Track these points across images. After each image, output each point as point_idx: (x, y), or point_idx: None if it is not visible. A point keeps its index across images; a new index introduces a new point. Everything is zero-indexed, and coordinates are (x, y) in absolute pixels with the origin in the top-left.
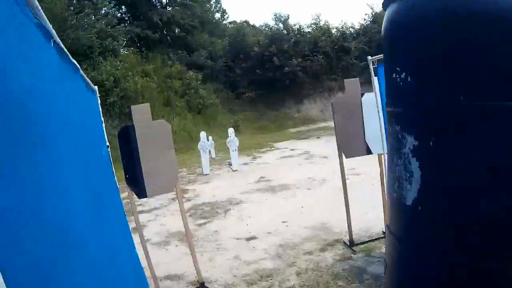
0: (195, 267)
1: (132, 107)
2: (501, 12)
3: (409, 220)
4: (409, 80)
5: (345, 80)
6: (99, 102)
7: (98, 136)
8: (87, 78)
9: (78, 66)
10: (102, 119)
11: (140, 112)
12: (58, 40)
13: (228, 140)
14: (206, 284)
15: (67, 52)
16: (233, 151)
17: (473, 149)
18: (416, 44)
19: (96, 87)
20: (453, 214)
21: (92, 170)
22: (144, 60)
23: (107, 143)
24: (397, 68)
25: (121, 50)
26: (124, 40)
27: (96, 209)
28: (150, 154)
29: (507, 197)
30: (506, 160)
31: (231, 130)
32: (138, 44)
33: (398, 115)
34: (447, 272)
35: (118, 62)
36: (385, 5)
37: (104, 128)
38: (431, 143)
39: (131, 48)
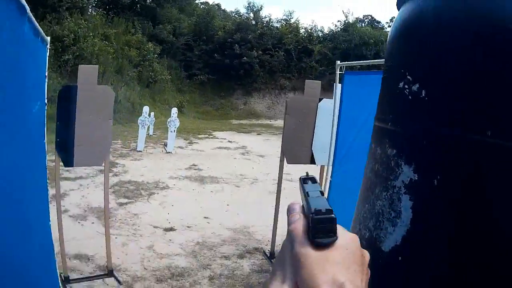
0: (106, 252)
1: (80, 66)
2: None
3: (381, 269)
4: (423, 95)
5: (306, 81)
6: (48, 54)
7: (35, 90)
8: (36, 24)
9: (27, 8)
10: (47, 73)
11: (87, 73)
12: None
13: (169, 119)
14: (114, 272)
15: None
16: (171, 132)
17: (493, 201)
18: (444, 53)
19: (48, 38)
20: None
21: (16, 125)
22: (109, 23)
23: (45, 100)
24: (409, 77)
25: (90, 9)
26: (95, 0)
27: (12, 168)
28: (87, 120)
29: None
30: None
31: (174, 110)
32: (108, 7)
33: (395, 135)
34: None
35: (83, 21)
36: (402, 1)
37: (46, 84)
38: (435, 182)
39: (100, 9)
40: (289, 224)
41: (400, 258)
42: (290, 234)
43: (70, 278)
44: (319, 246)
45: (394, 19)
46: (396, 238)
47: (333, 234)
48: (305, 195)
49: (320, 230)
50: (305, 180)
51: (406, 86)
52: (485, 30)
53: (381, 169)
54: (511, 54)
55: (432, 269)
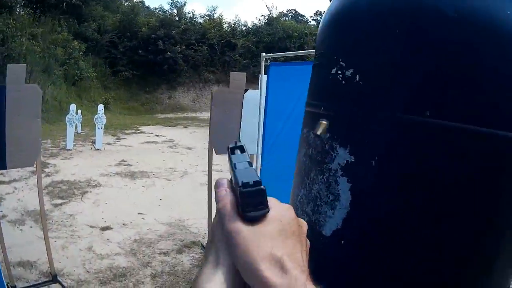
0: (48, 257)
1: (9, 66)
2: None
3: (323, 255)
4: (357, 79)
5: (231, 73)
6: None
7: None
8: None
9: None
10: None
11: (16, 73)
12: None
13: (96, 116)
14: (58, 277)
15: None
16: (99, 128)
17: (432, 179)
18: (378, 38)
19: None
20: (389, 262)
21: None
22: (36, 22)
23: None
24: (342, 63)
25: (18, 8)
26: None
27: None
28: (17, 120)
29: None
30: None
31: (100, 107)
32: (34, 6)
33: (328, 119)
34: None
35: (11, 20)
36: None
37: None
38: (373, 163)
39: (27, 9)
40: (217, 201)
41: (342, 241)
42: (218, 212)
43: (17, 287)
44: (251, 220)
45: (319, 12)
46: (336, 221)
47: (264, 206)
48: (232, 167)
49: (249, 204)
50: (233, 149)
51: (339, 72)
52: (418, 13)
53: (315, 153)
54: (445, 34)
55: (374, 251)
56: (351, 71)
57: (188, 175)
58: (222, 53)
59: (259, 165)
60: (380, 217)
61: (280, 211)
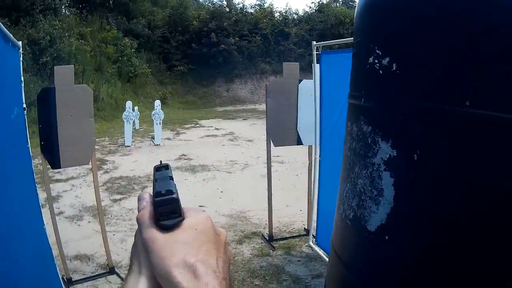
0: (105, 250)
1: (56, 67)
2: None
3: (369, 250)
4: (394, 68)
5: (284, 63)
6: (21, 59)
7: (12, 96)
8: (6, 31)
9: None
10: (22, 78)
11: (63, 74)
12: None
13: (153, 112)
14: (116, 269)
15: None
16: (157, 124)
17: (476, 174)
18: (416, 24)
19: (20, 43)
20: (433, 260)
21: None
22: (83, 22)
23: (24, 105)
24: (378, 51)
25: (63, 9)
26: (67, 0)
27: None
28: (68, 120)
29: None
30: None
31: (157, 103)
32: (80, 5)
33: (369, 111)
34: None
35: (57, 22)
36: None
37: (22, 89)
38: (415, 157)
39: (73, 9)
40: (138, 213)
41: (386, 237)
42: (138, 222)
43: (73, 279)
44: (165, 228)
45: None
46: (381, 217)
47: (177, 215)
48: (154, 182)
49: (163, 213)
50: (159, 168)
51: (376, 61)
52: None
53: (359, 147)
54: (493, 20)
55: (419, 247)
56: (387, 59)
57: (249, 167)
58: (276, 42)
59: (317, 156)
60: (424, 213)
61: (195, 219)
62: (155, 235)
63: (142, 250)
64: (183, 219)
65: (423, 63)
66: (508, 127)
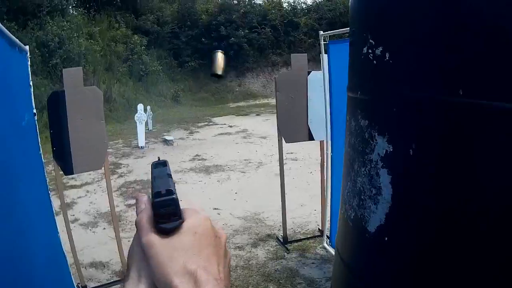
0: (120, 257)
1: (64, 70)
2: None
3: (369, 252)
4: (387, 58)
5: (292, 55)
6: (29, 63)
7: (21, 102)
8: (11, 36)
9: None
10: (31, 83)
11: (72, 76)
12: None
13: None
14: None
15: None
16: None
17: (475, 166)
18: (409, 11)
19: (27, 47)
20: (432, 259)
21: (9, 142)
22: (92, 21)
23: (34, 111)
24: (372, 41)
25: (70, 9)
26: (74, 0)
27: (10, 186)
28: (79, 124)
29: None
30: None
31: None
32: (87, 5)
33: (366, 104)
34: None
35: (65, 23)
36: None
37: (32, 94)
38: (411, 152)
39: (80, 9)
40: (137, 215)
41: (386, 239)
42: (136, 226)
43: (88, 287)
44: (164, 232)
45: None
46: (380, 217)
47: (178, 217)
48: (152, 180)
49: (162, 215)
50: (157, 165)
51: (370, 51)
52: None
53: (357, 143)
54: (486, 7)
55: (417, 246)
56: (380, 49)
57: (263, 166)
58: (286, 33)
59: (329, 152)
60: (421, 213)
61: (195, 222)
62: (154, 240)
63: (141, 256)
64: (183, 221)
65: (415, 52)
66: (501, 115)
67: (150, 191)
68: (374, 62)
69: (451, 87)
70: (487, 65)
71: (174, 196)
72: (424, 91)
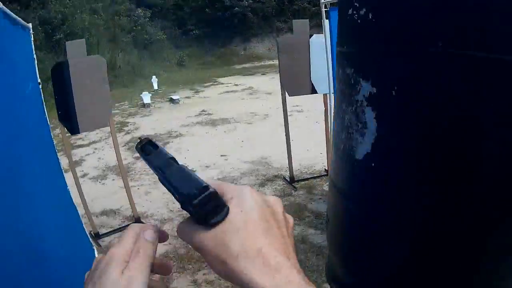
0: (129, 202)
1: (67, 42)
2: None
3: (359, 177)
4: (370, 17)
5: (294, 21)
6: (32, 39)
7: (25, 73)
8: (12, 14)
9: None
10: (35, 56)
11: (75, 48)
12: None
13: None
14: (142, 219)
15: None
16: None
17: (447, 106)
18: None
19: (30, 24)
20: (410, 177)
21: (12, 108)
22: None
23: (38, 80)
24: (356, 3)
25: None
26: None
27: (14, 150)
28: (84, 90)
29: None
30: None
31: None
32: None
33: (351, 56)
34: (400, 234)
35: (68, 0)
36: None
37: (36, 66)
38: (393, 93)
39: None
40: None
41: (373, 164)
42: (180, 237)
43: (100, 233)
44: (215, 225)
45: None
46: (366, 146)
47: (221, 206)
48: (159, 172)
49: (208, 212)
50: (144, 148)
51: (355, 12)
52: None
53: (344, 87)
54: None
55: (401, 171)
56: (364, 10)
57: (269, 117)
58: (290, 1)
59: (332, 103)
60: (403, 141)
61: (238, 201)
62: (201, 237)
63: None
64: (228, 208)
65: (395, 12)
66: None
67: (157, 176)
68: (359, 21)
69: (430, 40)
70: (463, 17)
71: (211, 189)
72: (404, 44)
